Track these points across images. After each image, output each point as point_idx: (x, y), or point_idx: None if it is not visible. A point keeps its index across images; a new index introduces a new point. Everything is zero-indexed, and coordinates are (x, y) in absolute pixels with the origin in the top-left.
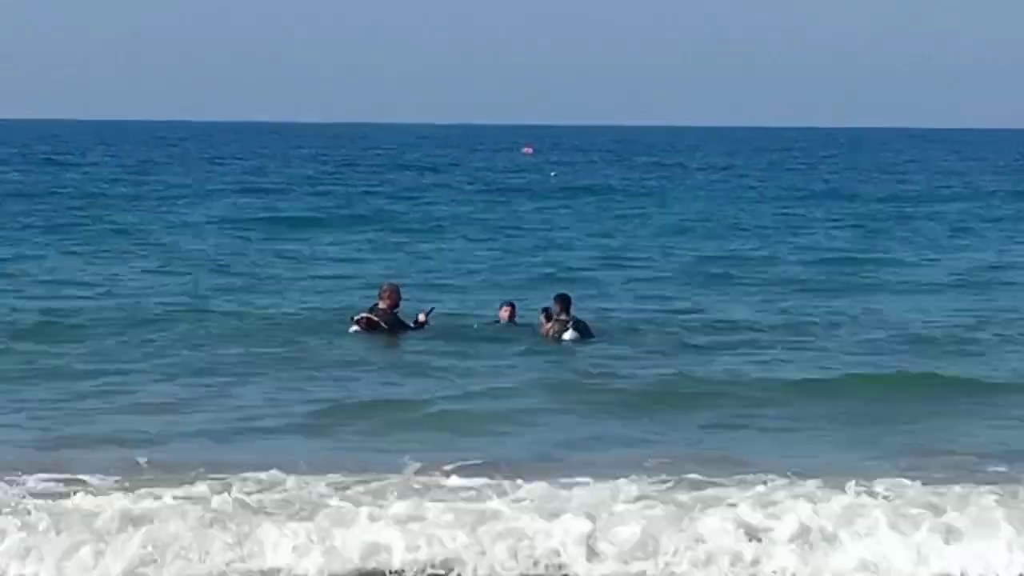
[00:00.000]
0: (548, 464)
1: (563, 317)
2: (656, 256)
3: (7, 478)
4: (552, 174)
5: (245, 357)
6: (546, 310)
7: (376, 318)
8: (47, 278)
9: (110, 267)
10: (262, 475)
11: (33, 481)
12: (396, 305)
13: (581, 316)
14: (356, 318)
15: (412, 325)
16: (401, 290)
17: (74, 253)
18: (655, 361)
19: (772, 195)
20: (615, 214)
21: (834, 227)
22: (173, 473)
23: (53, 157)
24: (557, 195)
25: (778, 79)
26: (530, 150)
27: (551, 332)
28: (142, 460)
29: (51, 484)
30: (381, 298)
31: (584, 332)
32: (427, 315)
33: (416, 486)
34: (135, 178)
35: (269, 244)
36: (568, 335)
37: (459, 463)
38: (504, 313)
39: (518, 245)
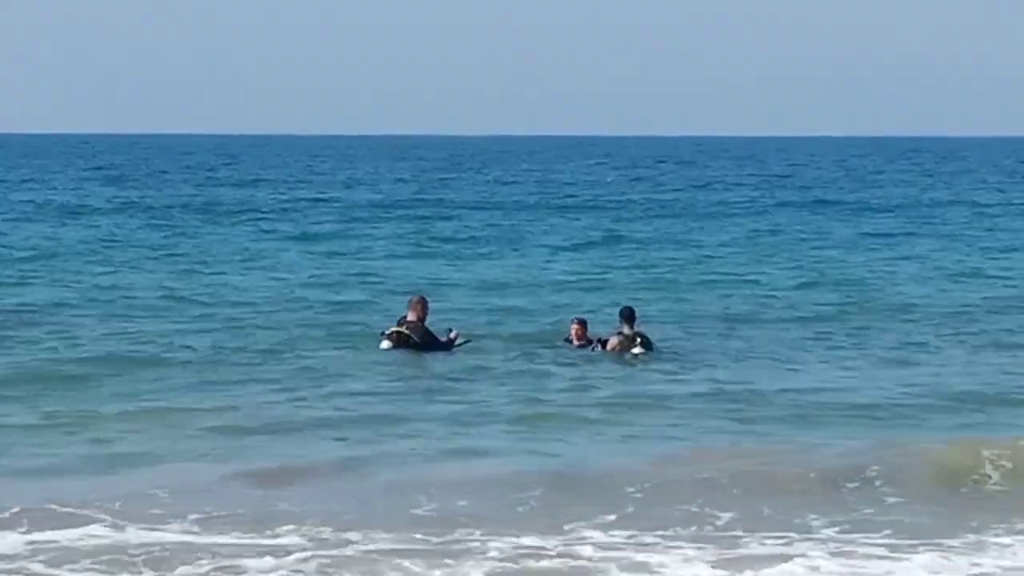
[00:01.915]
0: None
1: (626, 331)
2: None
3: None
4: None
5: None
6: (612, 336)
7: (407, 331)
8: None
9: None
10: None
11: None
12: (424, 317)
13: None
14: (387, 332)
15: (442, 340)
16: (428, 301)
17: None
18: None
19: None
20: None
21: None
22: None
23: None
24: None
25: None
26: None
27: (617, 348)
28: None
29: None
30: (410, 309)
31: (649, 346)
32: (457, 336)
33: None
34: None
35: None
36: (636, 350)
37: None
38: (575, 330)
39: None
